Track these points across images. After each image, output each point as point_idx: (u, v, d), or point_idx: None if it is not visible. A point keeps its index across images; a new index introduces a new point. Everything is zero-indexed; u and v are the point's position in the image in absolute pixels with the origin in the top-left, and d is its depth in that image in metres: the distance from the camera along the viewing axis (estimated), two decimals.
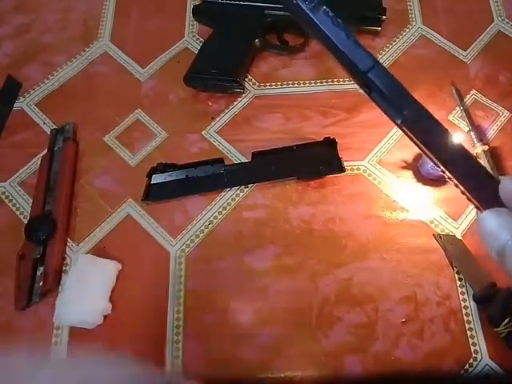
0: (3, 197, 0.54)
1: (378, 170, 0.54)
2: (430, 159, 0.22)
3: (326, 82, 0.60)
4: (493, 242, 0.21)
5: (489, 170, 0.52)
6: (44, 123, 0.58)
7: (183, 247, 0.51)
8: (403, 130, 0.23)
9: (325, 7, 0.23)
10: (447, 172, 0.22)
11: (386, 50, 0.62)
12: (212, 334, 0.47)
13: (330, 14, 0.23)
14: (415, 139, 0.22)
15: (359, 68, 0.23)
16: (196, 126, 0.58)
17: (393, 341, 0.46)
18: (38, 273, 0.49)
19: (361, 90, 0.60)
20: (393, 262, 0.50)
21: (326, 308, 0.48)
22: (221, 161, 0.54)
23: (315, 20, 0.23)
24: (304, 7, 0.23)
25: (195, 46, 0.63)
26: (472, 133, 0.55)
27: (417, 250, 0.50)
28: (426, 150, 0.22)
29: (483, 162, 0.53)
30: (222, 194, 0.53)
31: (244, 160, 0.55)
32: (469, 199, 0.22)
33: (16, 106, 0.60)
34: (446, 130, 0.22)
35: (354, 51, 0.23)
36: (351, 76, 0.24)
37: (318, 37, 0.23)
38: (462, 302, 0.47)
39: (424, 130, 0.22)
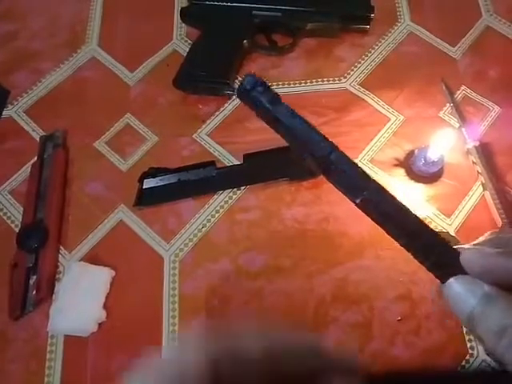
0: None
1: (370, 169, 0.54)
2: (390, 235, 0.23)
3: (316, 81, 0.60)
4: (461, 309, 0.22)
5: (480, 166, 0.52)
6: (33, 130, 0.58)
7: (177, 251, 0.51)
8: (362, 210, 0.23)
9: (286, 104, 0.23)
10: (407, 247, 0.23)
11: (376, 47, 0.62)
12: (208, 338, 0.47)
13: (290, 106, 0.23)
14: (375, 218, 0.23)
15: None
16: (187, 129, 0.57)
17: (389, 339, 0.46)
18: (31, 281, 0.48)
19: (351, 89, 0.60)
20: (387, 261, 0.50)
21: (322, 308, 0.48)
22: (212, 164, 0.54)
23: (276, 113, 0.23)
24: (264, 101, 0.23)
25: (184, 49, 0.63)
26: (463, 129, 0.55)
27: None
28: (386, 228, 0.23)
29: (474, 158, 0.53)
30: (215, 197, 0.53)
31: (236, 162, 0.55)
32: (428, 269, 0.23)
33: (5, 113, 0.59)
34: (405, 207, 0.23)
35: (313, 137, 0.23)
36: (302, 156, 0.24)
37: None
38: None
39: (382, 209, 0.23)
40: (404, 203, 0.23)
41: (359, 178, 0.23)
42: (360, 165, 0.24)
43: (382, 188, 0.23)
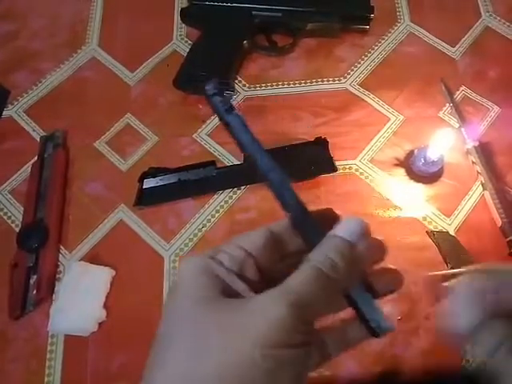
0: None
1: (370, 169, 0.54)
2: None
3: (316, 81, 0.60)
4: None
5: (480, 166, 0.52)
6: (33, 130, 0.58)
7: (177, 251, 0.51)
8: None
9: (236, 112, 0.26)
10: None
11: (375, 48, 0.62)
12: None
13: (242, 118, 0.26)
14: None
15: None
16: (187, 129, 0.57)
17: (389, 339, 0.46)
18: (32, 281, 0.48)
19: (351, 89, 0.60)
20: (387, 260, 0.49)
21: None
22: (212, 163, 0.54)
23: (228, 120, 0.26)
24: (220, 108, 0.26)
25: (184, 49, 0.63)
26: (463, 129, 0.55)
27: (411, 247, 0.50)
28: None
29: (474, 158, 0.53)
30: (215, 196, 0.53)
31: (236, 162, 0.55)
32: None
33: (5, 113, 0.59)
34: (324, 233, 0.24)
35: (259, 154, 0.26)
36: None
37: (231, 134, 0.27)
38: None
39: (305, 233, 0.25)
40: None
41: (289, 199, 0.25)
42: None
43: (307, 212, 0.25)
